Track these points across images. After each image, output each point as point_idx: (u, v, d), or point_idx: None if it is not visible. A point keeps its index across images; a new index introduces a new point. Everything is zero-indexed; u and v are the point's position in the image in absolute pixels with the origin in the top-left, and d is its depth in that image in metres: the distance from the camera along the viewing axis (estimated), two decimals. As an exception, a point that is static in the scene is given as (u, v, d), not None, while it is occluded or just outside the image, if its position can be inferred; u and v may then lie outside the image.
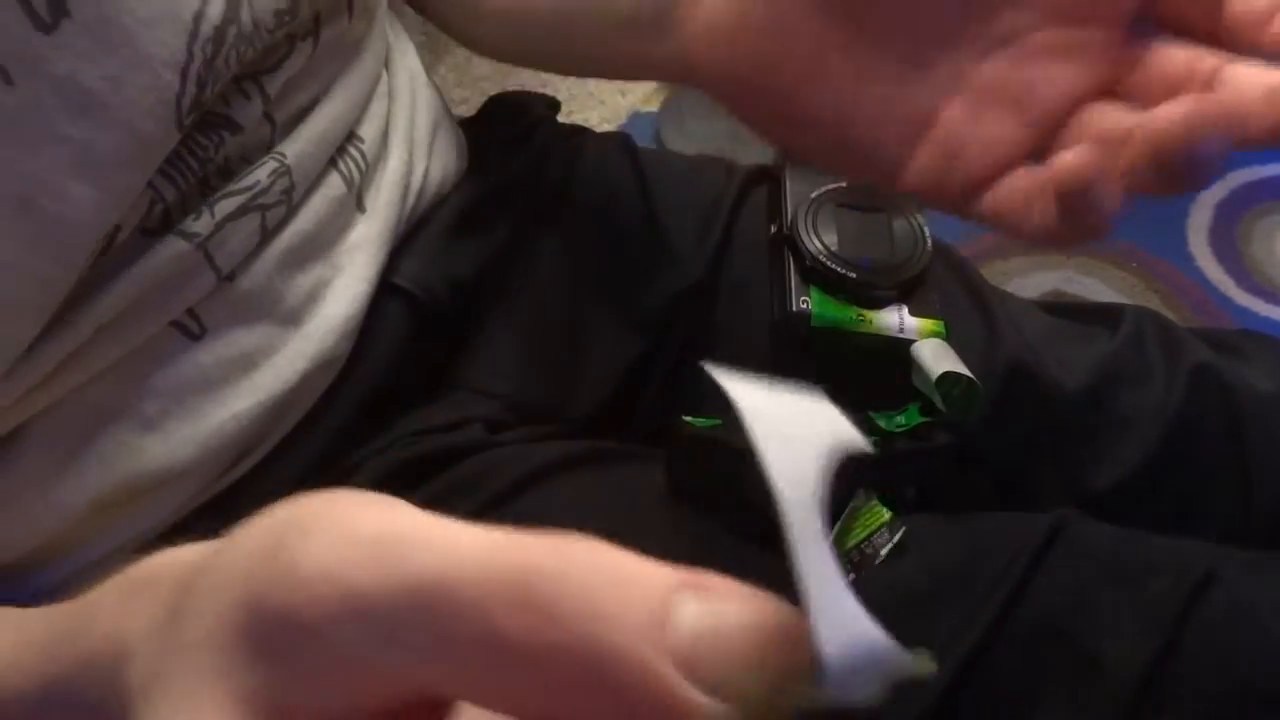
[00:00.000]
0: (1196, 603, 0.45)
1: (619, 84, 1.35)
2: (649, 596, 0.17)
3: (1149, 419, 0.54)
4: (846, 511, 0.46)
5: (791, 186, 0.55)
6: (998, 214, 0.35)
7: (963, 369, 0.49)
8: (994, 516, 0.50)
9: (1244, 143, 0.31)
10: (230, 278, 0.44)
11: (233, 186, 0.44)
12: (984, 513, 0.51)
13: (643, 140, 0.63)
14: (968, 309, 0.57)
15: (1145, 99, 0.33)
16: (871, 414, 0.50)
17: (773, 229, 0.55)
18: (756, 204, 0.59)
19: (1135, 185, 0.32)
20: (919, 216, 0.54)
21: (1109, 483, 0.54)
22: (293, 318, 0.47)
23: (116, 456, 0.43)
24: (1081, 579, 0.47)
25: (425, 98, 0.56)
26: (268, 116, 0.45)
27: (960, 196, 0.35)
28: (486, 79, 0.93)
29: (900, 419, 0.50)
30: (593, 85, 1.34)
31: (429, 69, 0.58)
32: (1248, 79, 0.31)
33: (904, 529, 0.47)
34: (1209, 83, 0.31)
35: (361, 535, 0.19)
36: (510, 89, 0.62)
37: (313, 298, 0.48)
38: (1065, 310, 0.61)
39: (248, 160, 0.45)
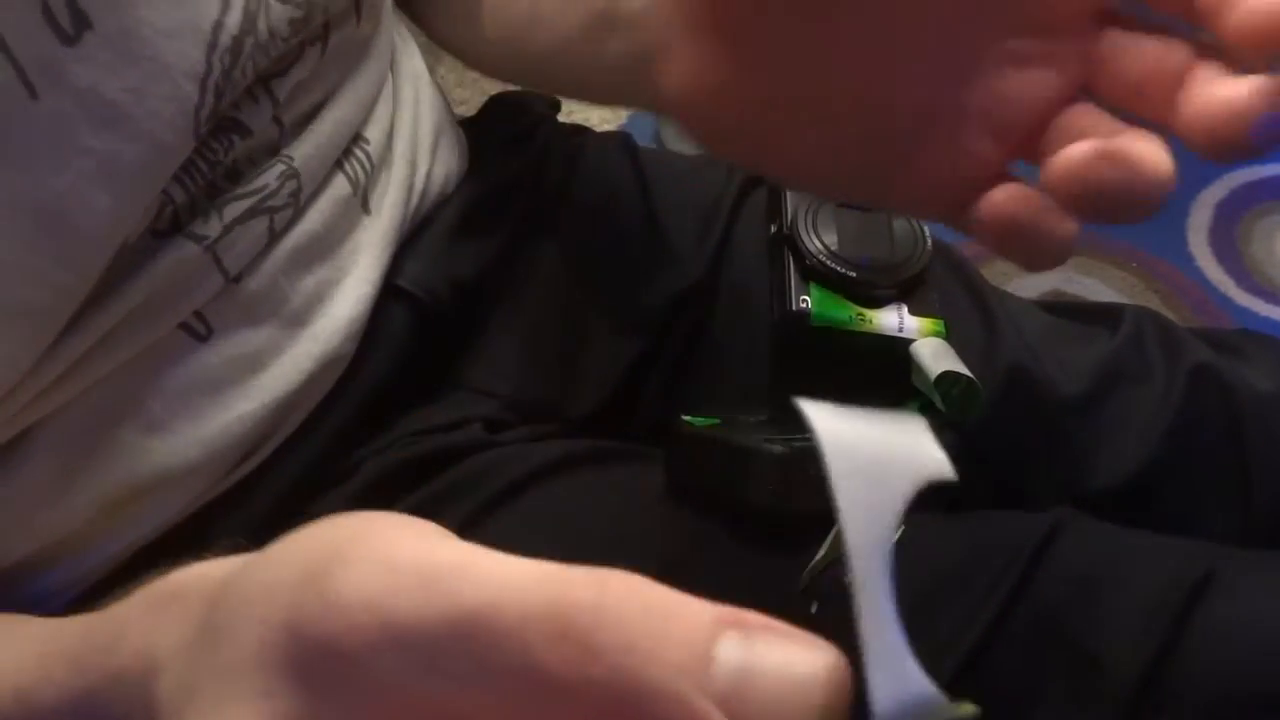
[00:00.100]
0: (1196, 603, 0.45)
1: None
2: (690, 633, 0.17)
3: (1149, 419, 0.54)
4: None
5: (791, 186, 0.55)
6: (980, 230, 0.34)
7: (962, 368, 0.49)
8: (994, 516, 0.50)
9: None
10: (237, 279, 0.45)
11: (241, 189, 0.44)
12: (984, 512, 0.51)
13: (643, 140, 0.63)
14: (968, 309, 0.57)
15: (1115, 98, 0.32)
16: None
17: (773, 228, 0.55)
18: (756, 203, 0.59)
19: (1076, 215, 0.32)
20: (919, 216, 0.54)
21: (1109, 482, 0.54)
22: (298, 319, 0.47)
23: (123, 457, 0.43)
24: (1081, 579, 0.47)
25: (429, 100, 0.56)
26: (276, 120, 0.45)
27: (946, 215, 0.35)
28: (486, 79, 0.93)
29: (900, 419, 0.50)
30: (593, 85, 1.34)
31: (430, 69, 0.58)
32: (1197, 96, 0.30)
33: (902, 529, 0.47)
34: (1177, 81, 0.30)
35: (402, 564, 0.19)
36: (510, 89, 0.63)
37: (318, 299, 0.48)
38: (1065, 310, 0.61)
39: (255, 163, 0.45)
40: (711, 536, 0.48)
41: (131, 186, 0.39)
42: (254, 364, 0.46)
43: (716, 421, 0.49)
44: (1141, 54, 0.31)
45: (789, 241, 0.53)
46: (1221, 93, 0.28)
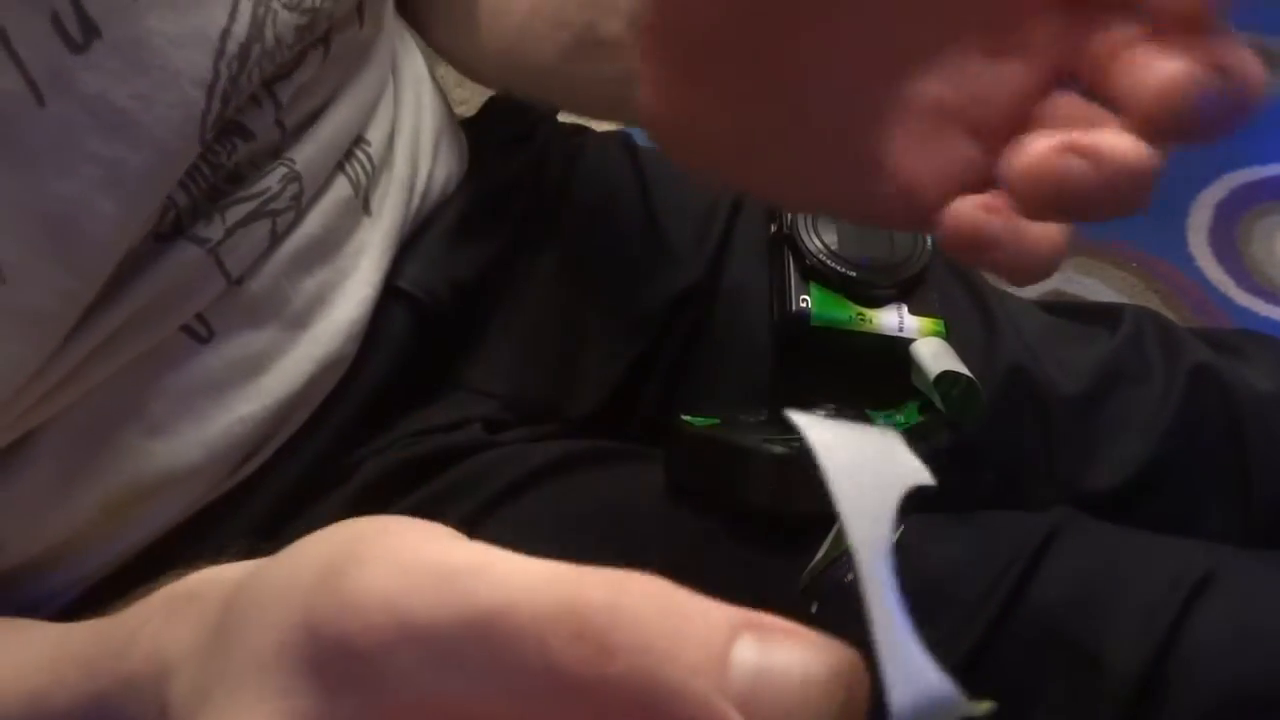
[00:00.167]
0: (1196, 603, 0.45)
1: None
2: (707, 634, 0.17)
3: (1149, 419, 0.54)
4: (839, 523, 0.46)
5: (791, 186, 0.54)
6: (946, 246, 0.33)
7: (962, 368, 0.49)
8: (994, 516, 0.50)
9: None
10: (239, 281, 0.45)
11: (243, 192, 0.44)
12: (984, 512, 0.51)
13: (643, 140, 0.63)
14: (967, 308, 0.57)
15: (1091, 82, 0.30)
16: (871, 413, 0.50)
17: (772, 228, 0.55)
18: (756, 203, 0.59)
19: (1039, 216, 0.30)
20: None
21: (1108, 482, 0.54)
22: (300, 320, 0.47)
23: (125, 459, 0.43)
24: (1081, 579, 0.47)
25: (430, 101, 0.56)
26: (279, 123, 0.45)
27: (929, 224, 0.34)
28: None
29: (899, 418, 0.50)
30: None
31: (429, 70, 0.58)
32: (1138, 77, 0.28)
33: (902, 529, 0.47)
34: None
35: (418, 565, 0.19)
36: (510, 90, 0.62)
37: (320, 300, 0.48)
38: (1065, 310, 0.61)
39: (257, 165, 0.45)
40: (711, 536, 0.48)
41: (138, 192, 0.39)
42: (255, 366, 0.46)
43: (716, 421, 0.49)
44: (1112, 36, 0.29)
45: (789, 241, 0.53)
46: (1161, 68, 0.27)
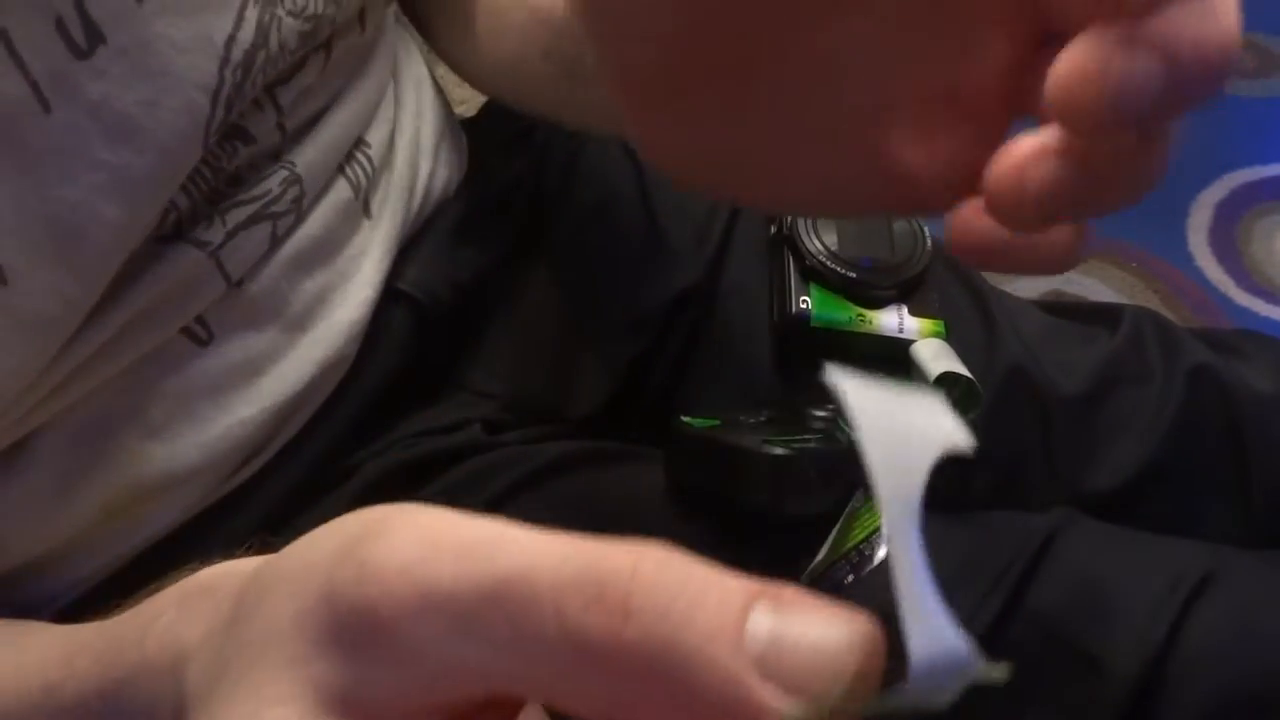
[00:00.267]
0: (1195, 603, 0.45)
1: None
2: (724, 601, 0.18)
3: (1148, 419, 0.54)
4: (846, 513, 0.46)
5: (791, 187, 0.54)
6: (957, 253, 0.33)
7: (962, 369, 0.49)
8: (994, 516, 0.50)
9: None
10: (239, 284, 0.45)
11: (243, 195, 0.44)
12: (984, 513, 0.51)
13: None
14: (967, 309, 0.57)
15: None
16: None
17: (772, 229, 0.56)
18: (756, 204, 0.59)
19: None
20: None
21: (1108, 483, 0.54)
22: (300, 323, 0.47)
23: (124, 461, 0.43)
24: (1081, 579, 0.47)
25: (431, 103, 0.56)
26: (280, 127, 0.45)
27: (938, 209, 0.33)
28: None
29: (900, 419, 0.50)
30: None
31: (431, 67, 0.58)
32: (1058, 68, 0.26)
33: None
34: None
35: (438, 536, 0.19)
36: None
37: (320, 302, 0.48)
38: (1065, 310, 0.61)
39: (258, 168, 0.45)
40: (711, 537, 0.48)
41: (141, 197, 0.39)
42: (255, 368, 0.46)
43: (716, 422, 0.49)
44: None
45: (789, 242, 0.53)
46: (1073, 56, 0.25)
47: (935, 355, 0.50)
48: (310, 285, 0.47)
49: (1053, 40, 0.28)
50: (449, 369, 0.55)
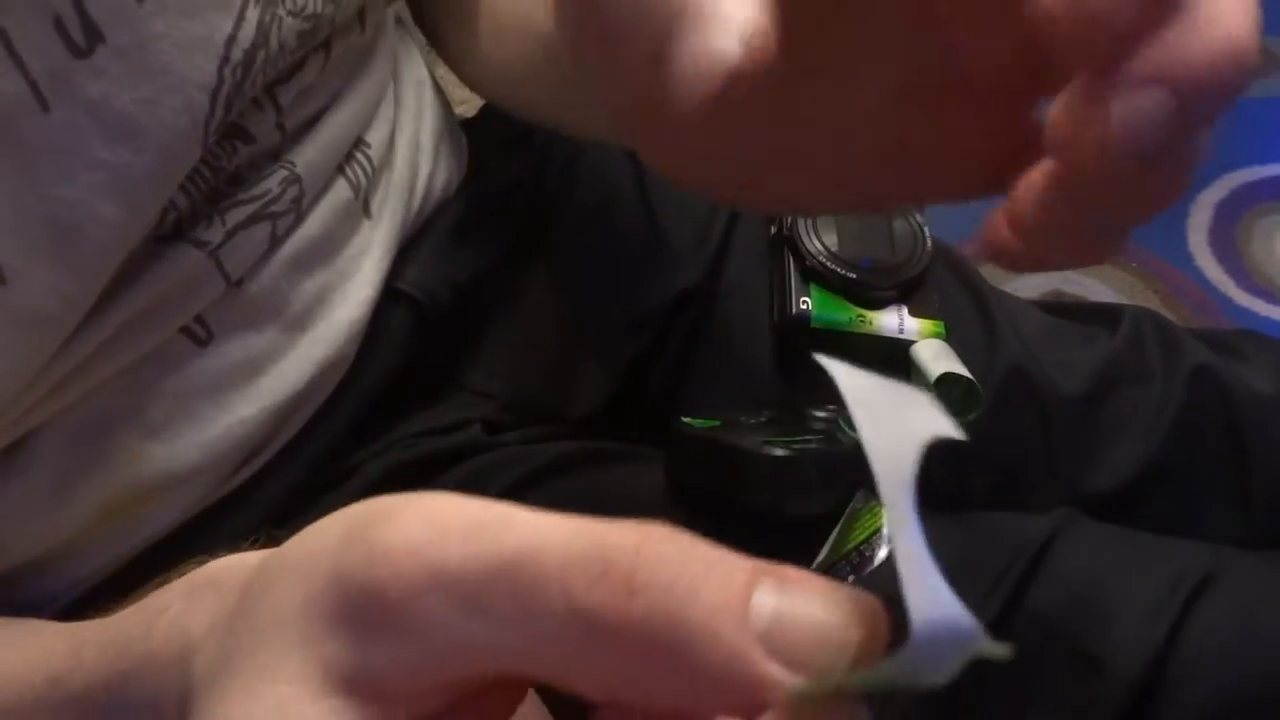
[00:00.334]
0: (1195, 604, 0.45)
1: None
2: (729, 578, 0.18)
3: (1148, 420, 0.54)
4: (846, 514, 0.46)
5: (791, 187, 0.54)
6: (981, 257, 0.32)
7: (962, 370, 0.49)
8: (994, 517, 0.50)
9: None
10: (239, 283, 0.45)
11: (243, 194, 0.44)
12: (984, 513, 0.51)
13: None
14: (967, 310, 0.57)
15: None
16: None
17: (773, 229, 0.55)
18: (756, 205, 0.59)
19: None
20: (919, 217, 0.54)
21: (1108, 484, 0.54)
22: (299, 323, 0.47)
23: (124, 461, 0.43)
24: (1081, 580, 0.47)
25: (431, 103, 0.56)
26: (280, 126, 0.45)
27: (957, 198, 0.33)
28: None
29: (900, 420, 0.50)
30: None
31: (431, 68, 0.58)
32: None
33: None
34: None
35: (446, 517, 0.19)
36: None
37: (319, 302, 0.48)
38: (1065, 310, 0.61)
39: (258, 168, 0.45)
40: (711, 537, 0.48)
41: (140, 196, 0.39)
42: (254, 368, 0.46)
43: (716, 423, 0.49)
44: None
45: (789, 242, 0.53)
46: (1068, 106, 0.24)
47: (935, 356, 0.50)
48: (310, 285, 0.47)
49: None
50: (449, 369, 0.55)
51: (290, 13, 0.42)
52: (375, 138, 0.50)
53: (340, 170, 0.49)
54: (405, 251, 0.52)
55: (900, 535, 0.18)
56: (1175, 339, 0.57)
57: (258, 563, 0.23)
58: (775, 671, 0.17)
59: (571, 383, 0.56)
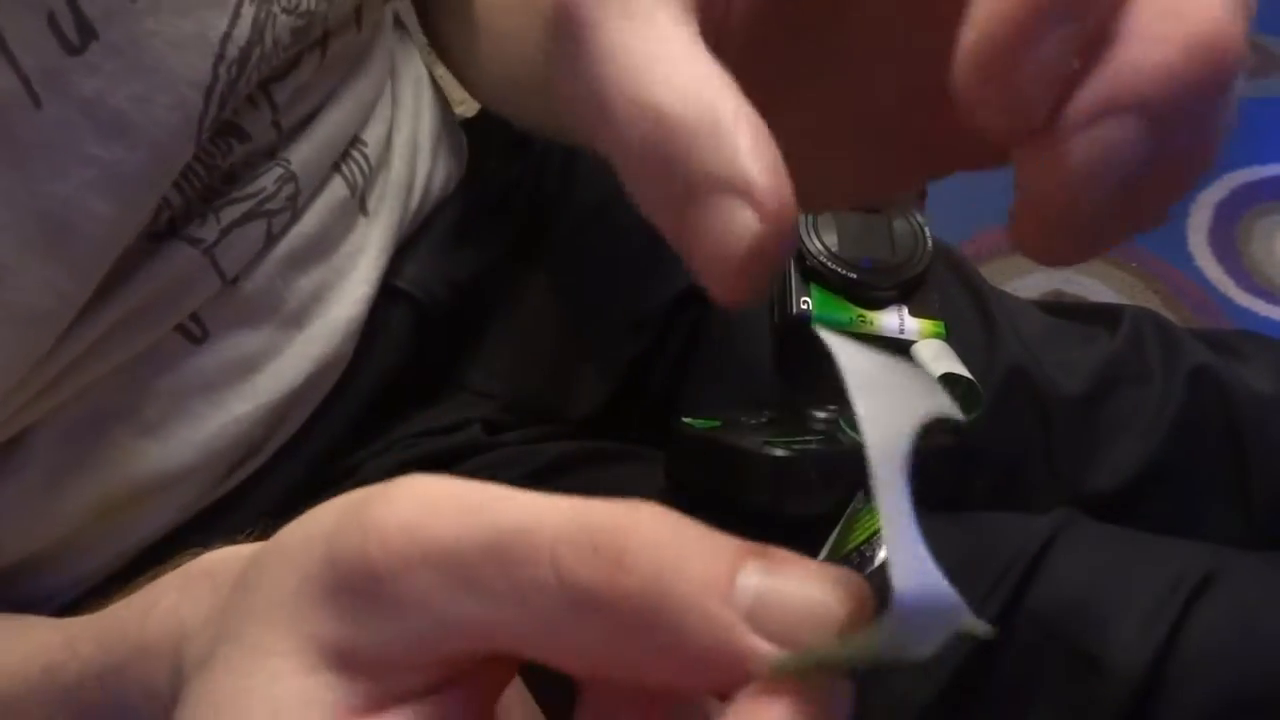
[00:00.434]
0: (1196, 604, 0.45)
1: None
2: (716, 556, 0.18)
3: (1148, 420, 0.54)
4: (846, 514, 0.46)
5: (791, 187, 0.54)
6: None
7: (962, 370, 0.49)
8: (994, 517, 0.50)
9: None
10: (234, 281, 0.45)
11: (238, 192, 0.44)
12: (984, 513, 0.51)
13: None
14: (968, 310, 0.57)
15: None
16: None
17: (773, 229, 0.55)
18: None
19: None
20: (920, 217, 0.54)
21: (1108, 484, 0.54)
22: (295, 320, 0.47)
23: (119, 459, 0.43)
24: (1081, 580, 0.47)
25: (429, 102, 0.56)
26: (275, 125, 0.45)
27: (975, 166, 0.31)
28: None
29: (900, 420, 0.50)
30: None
31: (430, 69, 0.58)
32: None
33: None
34: None
35: (439, 497, 0.20)
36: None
37: (315, 300, 0.48)
38: (1065, 311, 0.61)
39: (253, 166, 0.45)
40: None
41: (133, 193, 0.39)
42: (250, 366, 0.46)
43: (716, 423, 0.49)
44: None
45: (789, 242, 0.53)
46: (1034, 163, 0.21)
47: (936, 356, 0.50)
48: (306, 283, 0.47)
49: None
50: (449, 369, 0.55)
51: (285, 9, 0.42)
52: (372, 136, 0.50)
53: (336, 168, 0.49)
54: (404, 250, 0.52)
55: (888, 508, 0.18)
56: (1175, 339, 0.57)
57: (252, 553, 0.23)
58: (759, 645, 0.18)
59: (571, 383, 0.56)
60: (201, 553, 0.28)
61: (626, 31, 0.21)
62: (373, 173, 0.50)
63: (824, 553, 0.44)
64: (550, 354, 0.56)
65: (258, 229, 0.45)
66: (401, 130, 0.53)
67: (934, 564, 0.18)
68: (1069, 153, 0.19)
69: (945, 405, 0.19)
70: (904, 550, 0.18)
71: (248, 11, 0.40)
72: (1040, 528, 0.48)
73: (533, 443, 0.52)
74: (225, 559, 0.27)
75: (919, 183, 0.35)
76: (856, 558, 0.46)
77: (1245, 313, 1.24)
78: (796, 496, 0.45)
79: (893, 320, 0.51)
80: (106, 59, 0.37)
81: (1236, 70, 0.19)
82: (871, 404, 0.18)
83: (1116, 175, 0.20)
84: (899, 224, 0.53)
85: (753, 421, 0.50)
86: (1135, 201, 0.21)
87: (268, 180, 0.45)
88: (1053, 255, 0.22)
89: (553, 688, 0.25)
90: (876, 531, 0.46)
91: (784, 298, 0.52)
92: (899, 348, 0.51)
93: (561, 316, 0.56)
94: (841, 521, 0.46)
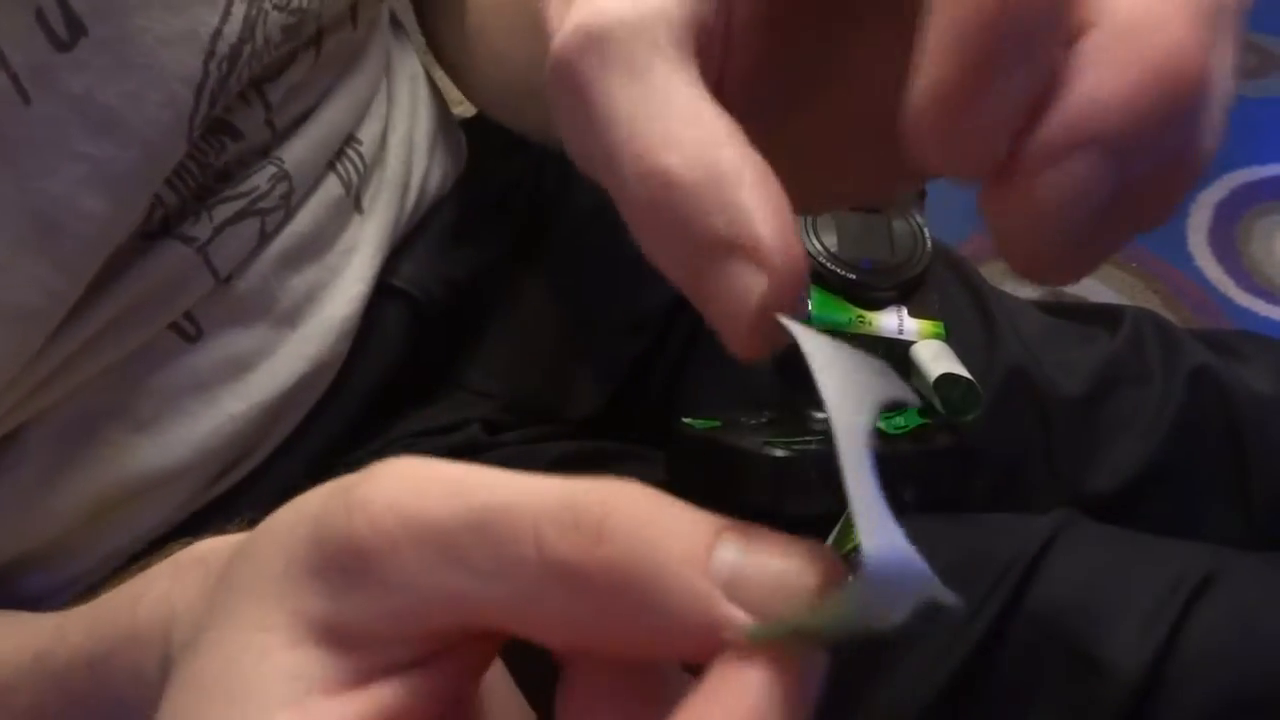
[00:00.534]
0: (1195, 605, 0.45)
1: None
2: (694, 530, 0.19)
3: (1148, 421, 0.54)
4: (845, 515, 0.46)
5: (791, 187, 0.54)
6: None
7: (962, 370, 0.49)
8: (994, 518, 0.50)
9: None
10: (228, 280, 0.45)
11: (231, 191, 0.44)
12: (984, 514, 0.51)
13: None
14: (967, 310, 0.57)
15: None
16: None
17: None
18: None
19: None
20: (919, 217, 0.54)
21: (1108, 484, 0.54)
22: (289, 319, 0.47)
23: (113, 457, 0.43)
24: (1081, 581, 0.47)
25: (426, 100, 0.56)
26: (269, 123, 0.45)
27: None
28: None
29: (900, 421, 0.50)
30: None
31: (427, 70, 0.58)
32: None
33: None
34: None
35: (425, 477, 0.20)
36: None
37: (309, 299, 0.48)
38: (1064, 311, 0.61)
39: (246, 164, 0.45)
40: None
41: (125, 191, 0.39)
42: (244, 365, 0.46)
43: (716, 423, 0.49)
44: None
45: (789, 243, 0.53)
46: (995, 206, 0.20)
47: (935, 356, 0.50)
48: (299, 282, 0.47)
49: None
50: (447, 368, 0.55)
51: (276, 6, 0.42)
52: (367, 134, 0.50)
53: (331, 167, 0.48)
54: (401, 249, 0.52)
55: (854, 480, 0.18)
56: (1175, 340, 0.57)
57: (240, 540, 0.24)
58: (735, 614, 0.18)
59: (571, 383, 0.56)
60: (192, 542, 0.28)
61: (628, 92, 0.21)
62: (367, 171, 0.50)
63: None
64: (550, 354, 0.56)
65: (251, 227, 0.45)
66: (397, 128, 0.53)
67: (902, 535, 0.18)
68: (1031, 193, 0.19)
69: (903, 388, 0.20)
70: (872, 520, 0.18)
71: (239, 9, 0.40)
72: (1040, 528, 0.48)
73: (532, 443, 0.52)
74: (216, 547, 0.27)
75: (919, 183, 0.35)
76: (856, 556, 0.46)
77: (1245, 313, 1.24)
78: (796, 496, 0.45)
79: (892, 321, 0.51)
80: (96, 55, 0.37)
81: (1203, 94, 0.19)
82: (835, 381, 0.19)
83: (1084, 210, 0.19)
84: (898, 224, 0.53)
85: (753, 421, 0.50)
86: (1114, 224, 0.20)
87: (261, 179, 0.45)
88: (1040, 279, 0.22)
89: (535, 672, 0.25)
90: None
91: (783, 298, 0.52)
92: (898, 349, 0.51)
93: (561, 316, 0.56)
94: (841, 521, 0.46)
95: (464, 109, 0.63)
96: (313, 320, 0.48)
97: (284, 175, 0.45)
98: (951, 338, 0.52)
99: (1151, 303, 1.24)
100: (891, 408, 0.20)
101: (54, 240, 0.37)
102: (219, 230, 0.43)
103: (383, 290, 0.51)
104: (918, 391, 0.50)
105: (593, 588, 0.19)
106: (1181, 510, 0.54)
